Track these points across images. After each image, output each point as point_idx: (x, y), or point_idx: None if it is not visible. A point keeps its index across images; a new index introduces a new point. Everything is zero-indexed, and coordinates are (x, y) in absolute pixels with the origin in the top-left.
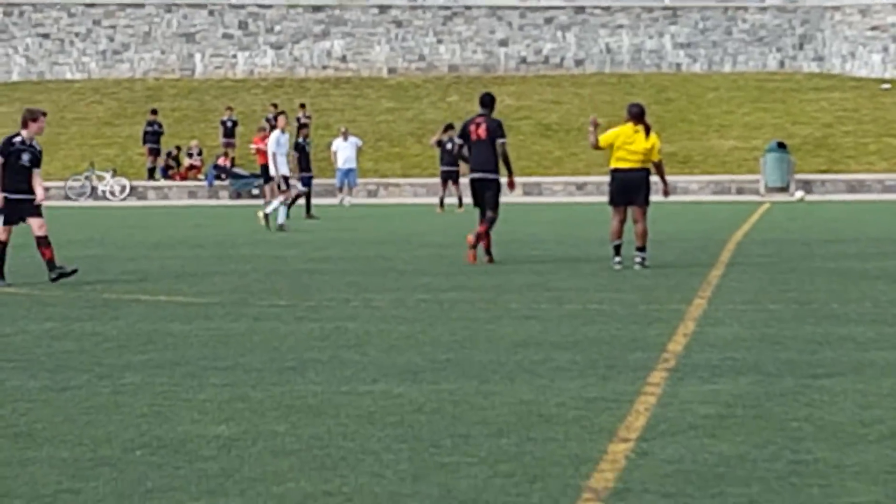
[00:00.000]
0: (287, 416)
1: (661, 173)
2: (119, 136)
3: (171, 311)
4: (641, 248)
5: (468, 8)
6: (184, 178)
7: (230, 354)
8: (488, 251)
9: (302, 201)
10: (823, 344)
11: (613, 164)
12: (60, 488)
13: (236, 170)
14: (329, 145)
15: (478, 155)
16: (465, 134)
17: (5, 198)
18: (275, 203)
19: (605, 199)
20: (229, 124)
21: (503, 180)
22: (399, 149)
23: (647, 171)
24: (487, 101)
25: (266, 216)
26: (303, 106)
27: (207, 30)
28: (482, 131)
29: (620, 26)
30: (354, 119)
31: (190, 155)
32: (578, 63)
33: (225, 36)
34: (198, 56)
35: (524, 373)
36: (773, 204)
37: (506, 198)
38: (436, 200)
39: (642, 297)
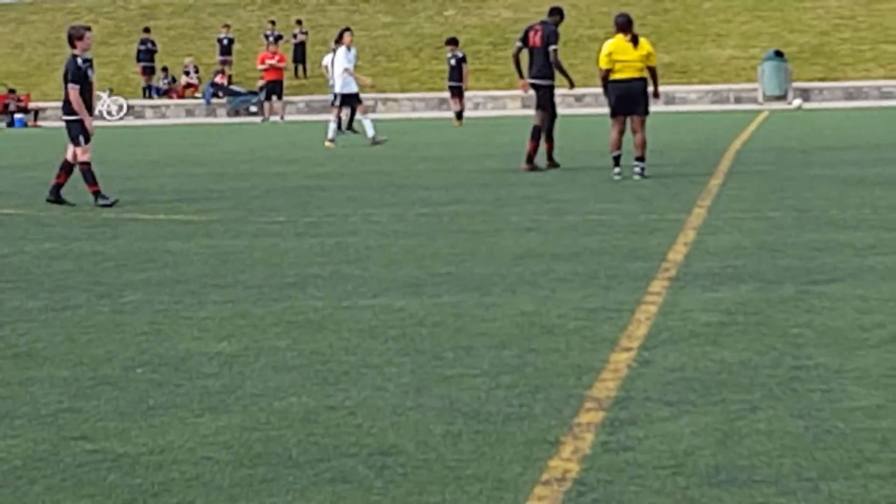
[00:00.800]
0: (288, 331)
1: (654, 78)
2: (115, 56)
3: (170, 230)
4: (641, 158)
5: None
6: (181, 95)
7: (230, 271)
8: (549, 157)
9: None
10: (823, 250)
11: (612, 76)
12: (61, 407)
13: (233, 87)
14: (322, 61)
15: (532, 61)
16: (524, 38)
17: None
18: (363, 119)
19: (603, 110)
20: (226, 42)
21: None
22: (397, 63)
23: (644, 81)
24: (552, 10)
25: (332, 140)
26: (299, 22)
27: None
28: (538, 38)
29: None
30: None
31: (187, 73)
32: None
33: None
34: None
35: (525, 284)
36: (771, 112)
37: (503, 111)
38: (430, 114)
39: (642, 207)
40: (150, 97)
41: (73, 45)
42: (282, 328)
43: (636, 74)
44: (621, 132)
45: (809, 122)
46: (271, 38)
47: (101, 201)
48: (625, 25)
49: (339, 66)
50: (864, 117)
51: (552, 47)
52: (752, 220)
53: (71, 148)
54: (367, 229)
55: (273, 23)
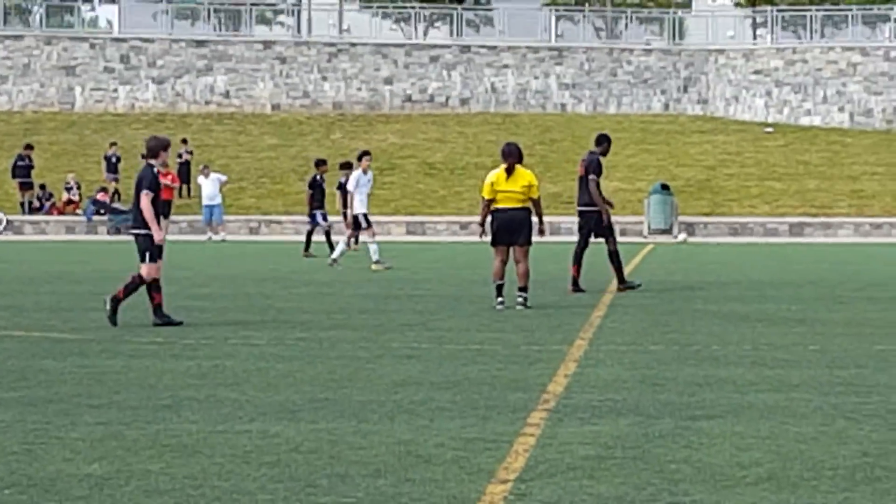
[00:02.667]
0: (161, 454)
1: (537, 210)
2: None
3: (45, 348)
4: (523, 289)
5: (353, 45)
6: (61, 212)
7: (104, 392)
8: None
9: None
10: (703, 386)
11: (494, 205)
12: None
13: (116, 205)
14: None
15: (580, 189)
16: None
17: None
18: (341, 246)
19: (488, 238)
20: (113, 160)
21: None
22: (281, 185)
23: (527, 211)
24: (598, 139)
25: (334, 262)
26: (184, 141)
27: (88, 63)
28: (581, 168)
29: (506, 66)
30: (237, 155)
31: (68, 189)
32: (464, 102)
33: (106, 69)
34: (78, 89)
35: (403, 413)
36: (656, 245)
37: (388, 237)
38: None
39: (524, 337)
40: (30, 213)
41: (155, 156)
42: (155, 451)
43: (517, 205)
44: (503, 262)
45: (694, 257)
46: (184, 157)
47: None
48: (504, 155)
49: (351, 188)
50: (748, 253)
51: (591, 177)
52: (633, 353)
53: (144, 266)
54: (245, 352)
55: (185, 140)
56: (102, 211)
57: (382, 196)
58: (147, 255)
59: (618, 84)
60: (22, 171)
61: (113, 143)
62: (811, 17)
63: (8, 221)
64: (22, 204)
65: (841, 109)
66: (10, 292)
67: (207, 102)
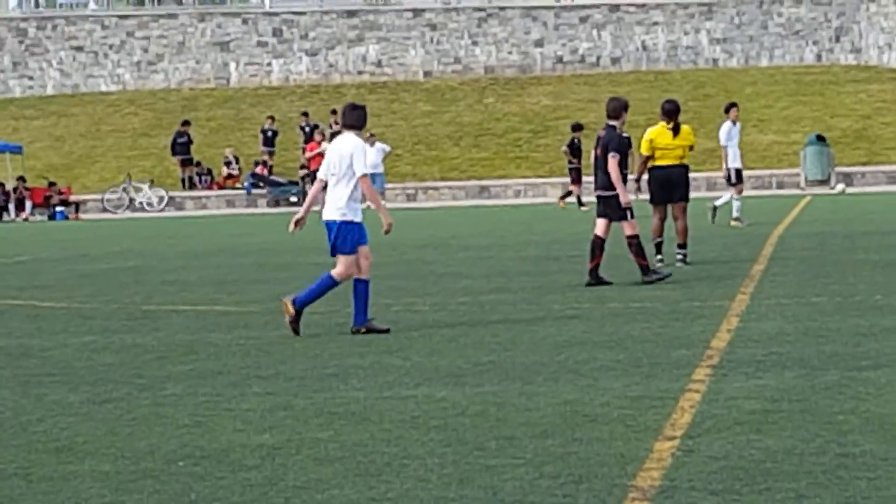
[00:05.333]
0: (330, 423)
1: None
2: (155, 147)
3: (212, 321)
4: (683, 245)
5: (502, 9)
6: (221, 186)
7: (271, 363)
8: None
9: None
10: (868, 336)
11: (652, 163)
12: (104, 501)
13: (274, 177)
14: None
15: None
16: None
17: None
18: (725, 196)
19: (644, 196)
20: (270, 133)
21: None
22: (437, 152)
23: (685, 168)
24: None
25: (714, 209)
26: (334, 112)
27: (241, 38)
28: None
29: (656, 23)
30: (391, 123)
31: (227, 163)
32: (615, 61)
33: (259, 44)
34: (232, 65)
35: (568, 373)
36: (813, 197)
37: (545, 198)
38: (470, 202)
39: (685, 294)
40: (191, 188)
41: (617, 117)
42: (323, 419)
43: (676, 162)
44: (662, 219)
45: (852, 207)
46: (307, 129)
47: (648, 277)
48: (670, 113)
49: (732, 140)
50: None
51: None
52: (795, 305)
53: (602, 223)
54: (408, 319)
55: (306, 114)
56: (261, 184)
57: (537, 158)
58: (628, 213)
59: (769, 36)
60: (181, 147)
61: (270, 117)
62: None
63: (170, 198)
64: (183, 180)
65: None
66: (174, 268)
67: (360, 72)
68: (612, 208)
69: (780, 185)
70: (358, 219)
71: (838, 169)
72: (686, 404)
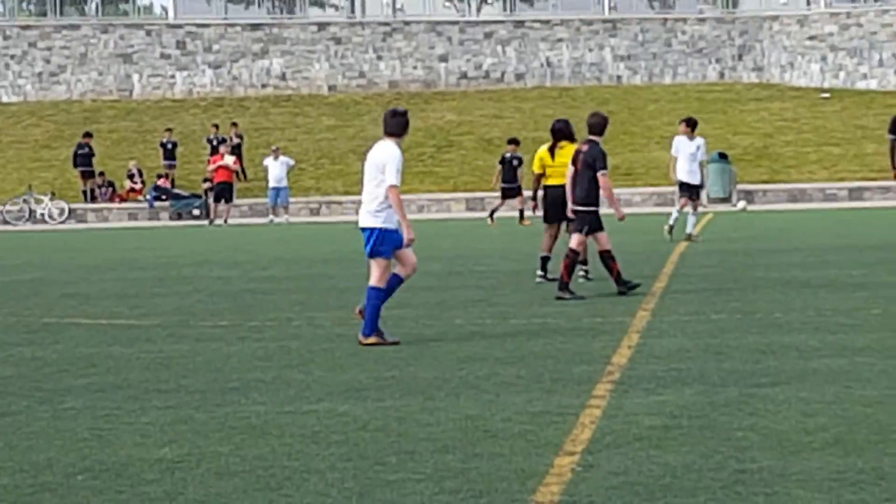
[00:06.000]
0: (231, 437)
1: None
2: (57, 159)
3: (112, 335)
4: (584, 262)
5: (407, 24)
6: (123, 199)
7: (172, 376)
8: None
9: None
10: (767, 353)
11: (544, 181)
12: None
13: (177, 190)
14: (263, 163)
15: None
16: None
17: None
18: (689, 217)
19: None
20: (169, 146)
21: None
22: (341, 166)
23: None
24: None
25: (672, 227)
26: (234, 125)
27: (145, 50)
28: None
29: (560, 40)
30: (295, 137)
31: (130, 176)
32: (519, 77)
33: (162, 56)
34: (135, 77)
35: (469, 388)
36: (715, 214)
37: (448, 213)
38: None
39: (587, 310)
40: (92, 201)
41: (600, 133)
42: (224, 433)
43: (563, 181)
44: (553, 237)
45: (754, 225)
46: (214, 142)
47: (564, 294)
48: (552, 132)
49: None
50: (808, 219)
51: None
52: (696, 322)
53: (577, 237)
54: (310, 333)
55: (216, 126)
56: (164, 196)
57: (441, 173)
58: (586, 228)
59: (672, 54)
60: (83, 159)
61: (168, 130)
62: None
63: (71, 210)
64: (84, 192)
65: None
66: (75, 280)
67: (264, 86)
68: (586, 223)
69: None
70: (393, 225)
71: (740, 186)
72: (586, 420)
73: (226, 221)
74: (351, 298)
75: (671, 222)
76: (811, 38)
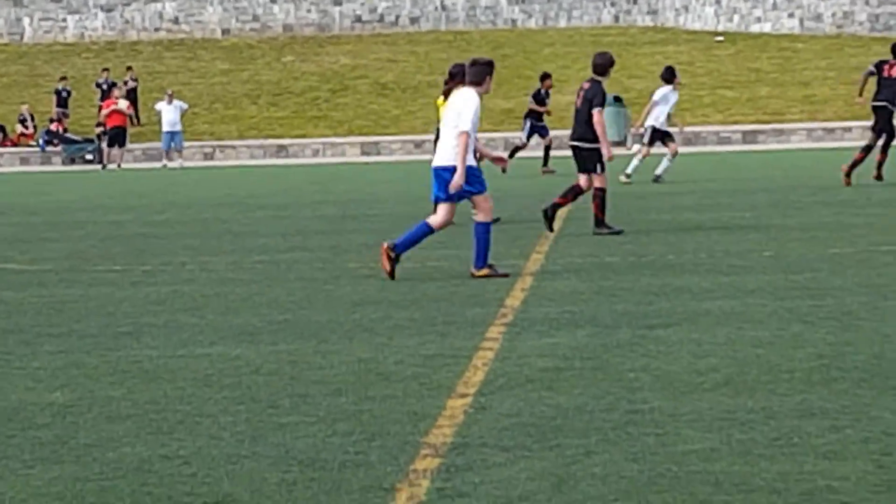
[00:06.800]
0: (123, 381)
1: None
2: None
3: (3, 280)
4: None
5: None
6: (15, 144)
7: (64, 321)
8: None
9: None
10: (660, 295)
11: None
12: None
13: (69, 135)
14: (155, 107)
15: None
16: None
17: None
18: (637, 160)
19: None
20: (64, 94)
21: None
22: (235, 111)
23: None
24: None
25: (628, 176)
26: (129, 68)
27: None
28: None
29: None
30: (189, 81)
31: (22, 121)
32: (413, 21)
33: None
34: (26, 20)
35: (362, 331)
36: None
37: (343, 157)
38: (268, 161)
39: None
40: None
41: (604, 73)
42: (116, 377)
43: None
44: None
45: (647, 168)
46: (105, 86)
47: (600, 230)
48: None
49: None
50: (702, 162)
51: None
52: (589, 265)
53: (583, 177)
54: (203, 277)
55: (107, 70)
56: (56, 141)
57: (336, 118)
58: (598, 166)
59: None
60: None
61: (63, 78)
62: None
63: None
64: None
65: (791, 15)
66: None
67: (157, 29)
68: (584, 159)
69: None
70: (473, 163)
71: (634, 130)
72: (479, 362)
73: (119, 166)
74: (246, 242)
75: (630, 171)
76: None
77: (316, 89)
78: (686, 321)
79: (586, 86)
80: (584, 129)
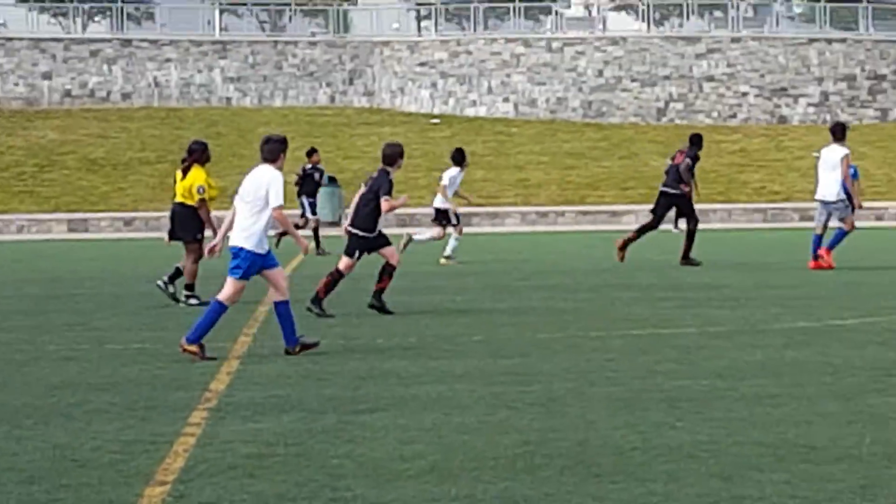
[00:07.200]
0: None
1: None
2: None
3: None
4: (189, 286)
5: (9, 39)
6: None
7: None
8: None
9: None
10: (367, 379)
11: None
12: None
13: None
14: None
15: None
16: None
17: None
18: (430, 234)
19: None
20: None
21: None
22: None
23: (189, 207)
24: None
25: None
26: None
27: None
28: (679, 157)
29: (168, 60)
30: None
31: None
32: (126, 97)
33: None
34: None
35: (59, 416)
36: (325, 238)
37: (48, 234)
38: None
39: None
40: None
41: (392, 163)
42: None
43: (179, 200)
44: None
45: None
46: None
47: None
48: (188, 152)
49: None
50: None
51: (686, 161)
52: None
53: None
54: None
55: None
56: None
57: (42, 193)
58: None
59: (283, 77)
60: None
61: None
62: (474, 9)
63: None
64: None
65: (506, 100)
66: None
67: None
68: (366, 245)
69: (297, 227)
70: (263, 250)
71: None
72: (180, 448)
73: None
74: (17, 322)
75: (416, 238)
76: (422, 64)
77: (22, 164)
78: (393, 406)
79: (375, 175)
80: (363, 219)
